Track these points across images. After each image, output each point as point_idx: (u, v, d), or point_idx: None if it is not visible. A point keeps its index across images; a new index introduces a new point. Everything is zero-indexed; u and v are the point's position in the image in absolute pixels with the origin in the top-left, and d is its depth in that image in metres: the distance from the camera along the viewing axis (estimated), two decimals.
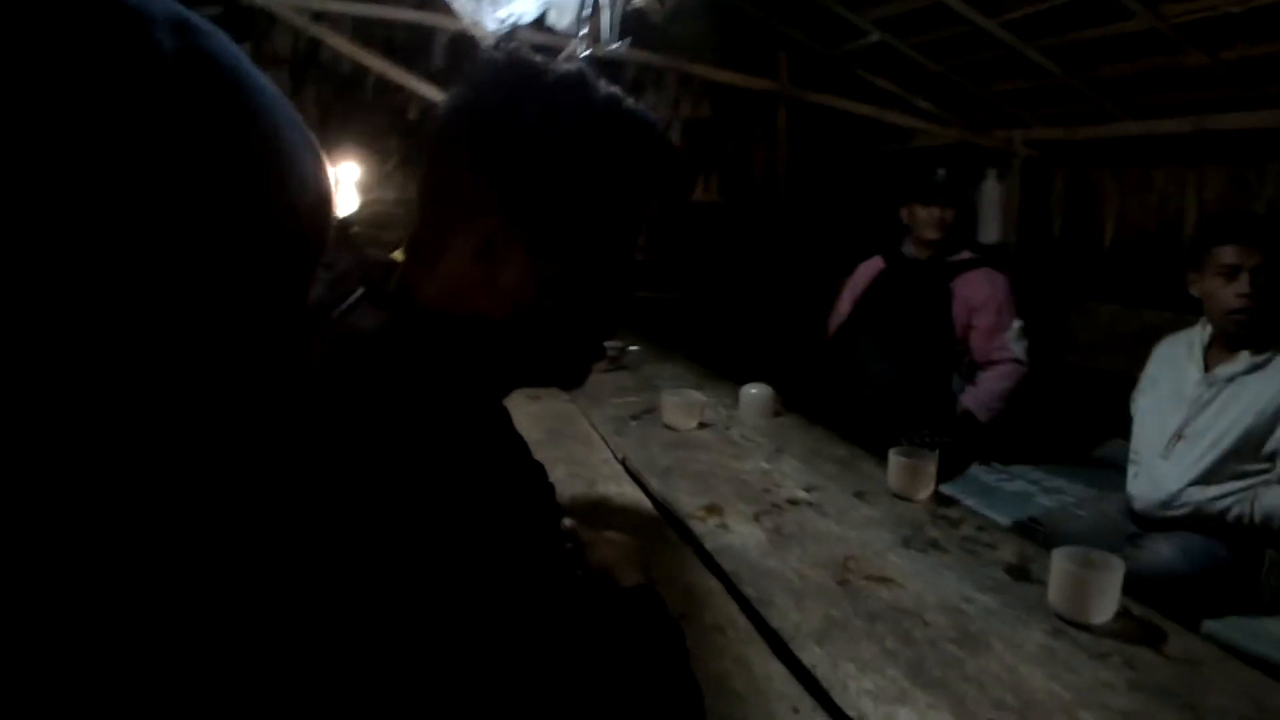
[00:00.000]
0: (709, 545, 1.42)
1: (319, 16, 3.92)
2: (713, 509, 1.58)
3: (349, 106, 4.57)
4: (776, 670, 1.07)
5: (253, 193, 0.38)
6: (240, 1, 3.59)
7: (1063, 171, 4.24)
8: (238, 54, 0.38)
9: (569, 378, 0.91)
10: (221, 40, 0.37)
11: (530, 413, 2.18)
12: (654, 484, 1.71)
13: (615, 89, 0.84)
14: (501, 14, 1.68)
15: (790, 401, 2.46)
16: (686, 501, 1.62)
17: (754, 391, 2.31)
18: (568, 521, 1.13)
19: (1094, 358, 3.91)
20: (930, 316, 2.99)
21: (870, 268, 3.26)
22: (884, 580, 1.32)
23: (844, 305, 3.30)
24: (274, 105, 0.39)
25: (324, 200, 0.42)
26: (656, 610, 0.95)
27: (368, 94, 4.44)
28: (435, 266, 0.80)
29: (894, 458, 1.72)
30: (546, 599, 0.70)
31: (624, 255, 0.87)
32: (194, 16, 0.36)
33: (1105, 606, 1.22)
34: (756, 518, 1.55)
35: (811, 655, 1.09)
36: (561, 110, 0.79)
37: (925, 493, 1.69)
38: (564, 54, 2.42)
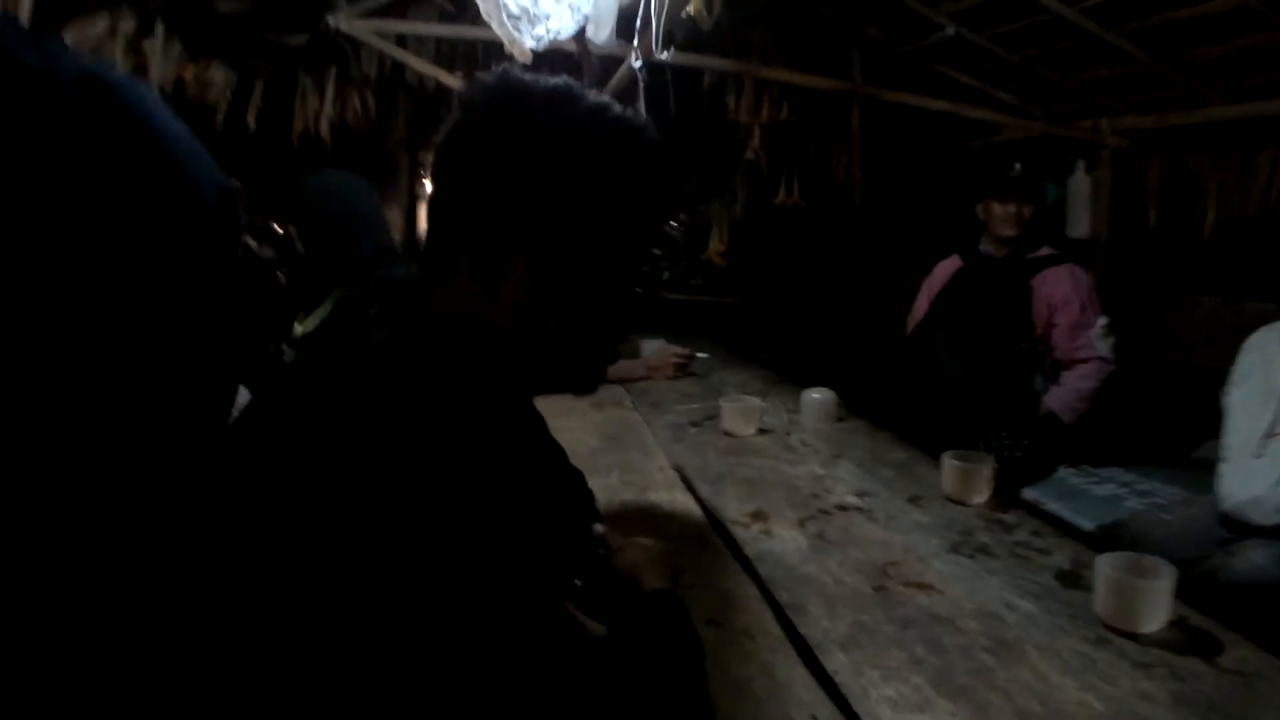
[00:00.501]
0: (749, 551, 1.42)
1: (402, 40, 4.05)
2: (758, 515, 1.58)
3: (436, 125, 4.71)
4: (800, 676, 1.06)
5: (155, 208, 0.43)
6: (325, 29, 3.74)
7: (1157, 160, 4.03)
8: (143, 100, 0.43)
9: (580, 383, 0.93)
10: (127, 89, 0.43)
11: (592, 420, 2.22)
12: (704, 490, 1.72)
13: (603, 98, 0.86)
14: (539, 31, 1.71)
15: (856, 406, 2.42)
16: (734, 507, 1.62)
17: (815, 396, 2.29)
18: (599, 527, 1.16)
19: (1194, 353, 3.71)
20: (1008, 316, 2.90)
21: (948, 267, 3.19)
22: (923, 586, 1.29)
23: (921, 305, 3.24)
24: (174, 136, 0.44)
25: (227, 211, 0.48)
26: (676, 614, 0.96)
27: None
28: (443, 281, 0.84)
29: (947, 461, 1.69)
30: (551, 602, 0.73)
31: (625, 261, 0.88)
32: (101, 70, 0.42)
33: (1155, 615, 1.17)
34: (801, 524, 1.54)
35: (835, 661, 1.09)
36: (547, 124, 0.82)
37: (980, 497, 1.65)
38: (621, 68, 2.46)
